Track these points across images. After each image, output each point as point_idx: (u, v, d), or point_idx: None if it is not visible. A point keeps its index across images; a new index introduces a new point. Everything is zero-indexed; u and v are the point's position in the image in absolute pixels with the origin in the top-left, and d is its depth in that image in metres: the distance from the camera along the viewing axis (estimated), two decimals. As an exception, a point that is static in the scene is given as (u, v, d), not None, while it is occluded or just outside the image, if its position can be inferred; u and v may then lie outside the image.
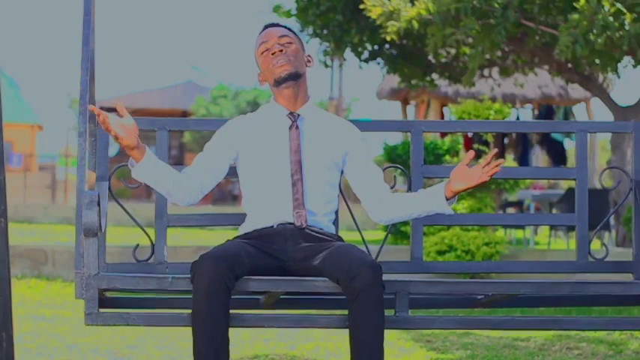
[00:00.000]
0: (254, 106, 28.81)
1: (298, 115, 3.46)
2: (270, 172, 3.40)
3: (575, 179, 3.83)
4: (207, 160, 3.44)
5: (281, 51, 3.43)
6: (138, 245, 3.67)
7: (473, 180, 3.28)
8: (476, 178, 3.27)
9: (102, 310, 3.18)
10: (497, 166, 3.27)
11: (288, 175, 3.39)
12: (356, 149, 3.51)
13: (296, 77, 3.44)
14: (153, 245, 3.67)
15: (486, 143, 11.69)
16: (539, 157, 18.84)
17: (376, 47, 11.93)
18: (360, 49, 11.86)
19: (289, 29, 3.53)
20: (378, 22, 9.30)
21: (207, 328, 3.02)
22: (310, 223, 3.37)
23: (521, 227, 13.37)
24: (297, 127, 3.43)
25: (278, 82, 3.44)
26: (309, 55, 3.53)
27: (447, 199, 3.35)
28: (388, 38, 9.18)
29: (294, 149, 3.40)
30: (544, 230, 14.71)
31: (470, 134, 15.05)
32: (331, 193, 3.46)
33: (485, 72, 12.68)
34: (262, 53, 3.47)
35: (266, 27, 3.55)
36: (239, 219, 3.57)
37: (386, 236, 3.89)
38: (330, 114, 3.64)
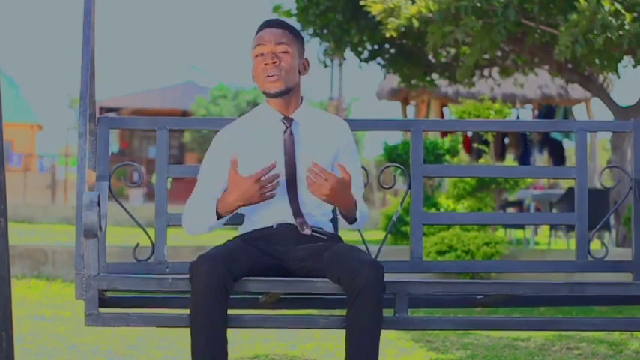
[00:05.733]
0: (254, 106, 28.74)
1: (292, 120, 3.42)
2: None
3: (575, 179, 3.83)
4: (207, 192, 3.41)
5: (274, 62, 3.35)
6: (138, 244, 3.67)
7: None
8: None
9: (102, 310, 3.18)
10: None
11: (283, 180, 3.35)
12: (344, 149, 3.48)
13: (286, 93, 3.39)
14: (153, 245, 3.67)
15: (486, 143, 11.68)
16: (539, 158, 18.83)
17: (376, 47, 11.92)
18: (360, 49, 11.85)
19: (289, 29, 3.42)
20: (378, 19, 9.29)
21: (205, 329, 3.01)
22: (310, 223, 3.36)
23: (521, 227, 13.36)
24: (291, 133, 3.39)
25: (267, 95, 3.41)
26: (305, 61, 3.45)
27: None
28: (388, 35, 9.17)
29: (288, 156, 3.36)
30: (544, 230, 14.71)
31: (470, 134, 15.07)
32: None
33: (485, 72, 12.66)
34: (256, 57, 3.39)
35: (265, 24, 3.44)
36: (239, 219, 3.57)
37: (386, 236, 3.89)
38: (323, 112, 3.59)
